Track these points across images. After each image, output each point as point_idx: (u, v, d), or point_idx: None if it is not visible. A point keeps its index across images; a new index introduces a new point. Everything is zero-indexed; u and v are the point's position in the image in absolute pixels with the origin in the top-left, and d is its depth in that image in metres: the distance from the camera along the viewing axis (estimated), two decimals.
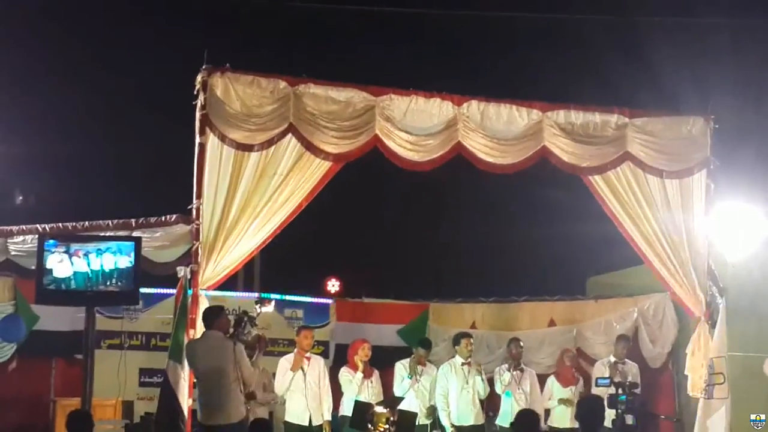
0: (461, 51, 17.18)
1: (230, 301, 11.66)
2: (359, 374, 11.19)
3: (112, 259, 9.69)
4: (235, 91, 10.16)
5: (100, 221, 10.40)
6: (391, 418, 10.18)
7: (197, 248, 9.97)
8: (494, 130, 10.89)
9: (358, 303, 14.11)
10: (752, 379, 11.41)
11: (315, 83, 10.45)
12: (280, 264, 16.05)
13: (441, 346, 13.32)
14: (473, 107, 10.85)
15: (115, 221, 10.38)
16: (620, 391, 10.63)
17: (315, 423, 10.86)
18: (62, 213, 11.29)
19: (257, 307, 10.10)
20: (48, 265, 9.61)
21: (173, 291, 10.16)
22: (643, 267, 11.76)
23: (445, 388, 11.47)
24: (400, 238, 18.64)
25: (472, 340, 11.73)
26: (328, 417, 11.02)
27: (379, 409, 10.26)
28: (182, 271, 9.90)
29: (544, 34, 15.03)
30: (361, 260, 17.98)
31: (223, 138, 10.08)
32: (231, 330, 9.56)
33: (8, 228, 10.68)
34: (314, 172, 10.47)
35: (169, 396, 9.54)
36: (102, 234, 10.17)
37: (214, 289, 10.31)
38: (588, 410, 7.50)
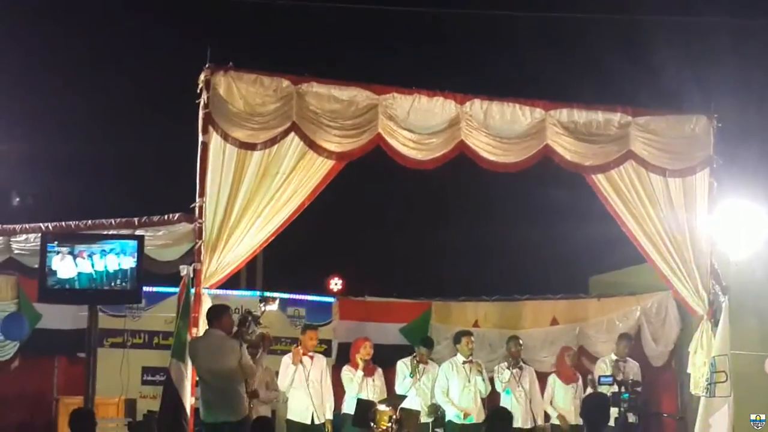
0: (464, 50, 17.17)
1: (233, 299, 11.67)
2: (359, 372, 11.21)
3: (115, 259, 9.71)
4: (238, 90, 10.16)
5: (103, 220, 10.42)
6: (394, 416, 10.21)
7: (200, 247, 9.98)
8: (497, 129, 10.88)
9: (361, 301, 14.10)
10: (755, 378, 11.42)
11: (318, 82, 10.45)
12: (282, 262, 16.04)
13: (443, 344, 13.32)
14: (476, 106, 10.85)
15: (118, 220, 10.40)
16: (623, 389, 10.64)
17: (317, 421, 10.89)
18: (65, 212, 11.30)
19: (261, 305, 10.11)
20: (52, 266, 9.62)
21: (176, 289, 10.19)
22: (646, 266, 11.76)
23: (445, 386, 11.50)
24: (402, 236, 18.62)
25: (472, 338, 11.76)
26: (330, 415, 11.05)
27: (381, 407, 10.29)
28: (185, 270, 9.92)
29: (547, 32, 15.03)
30: (364, 259, 17.98)
31: (225, 137, 10.08)
32: (235, 329, 9.58)
33: (11, 226, 10.70)
34: (317, 170, 10.47)
35: (172, 394, 9.56)
36: (105, 233, 10.18)
37: (217, 288, 10.31)
38: (593, 408, 7.49)
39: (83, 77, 16.77)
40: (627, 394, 10.61)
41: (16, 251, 10.70)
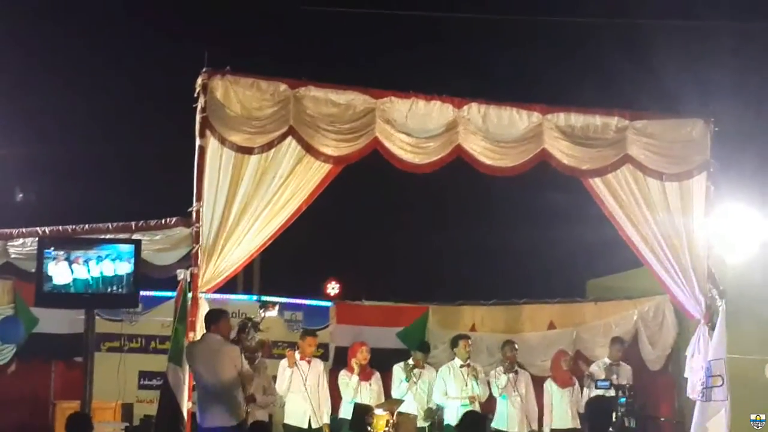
0: (461, 54, 17.19)
1: (230, 303, 11.67)
2: (355, 377, 11.21)
3: (111, 266, 9.70)
4: (236, 94, 10.15)
5: (100, 224, 10.40)
6: (391, 421, 10.20)
7: (197, 251, 9.96)
8: (494, 133, 10.87)
9: (358, 305, 14.11)
10: (752, 382, 11.41)
11: (315, 86, 10.44)
12: (279, 266, 16.05)
13: (440, 348, 13.33)
14: (473, 110, 10.84)
15: (115, 224, 10.38)
16: (620, 393, 10.64)
17: (314, 425, 10.89)
18: (62, 216, 11.29)
19: (260, 312, 10.12)
20: (48, 272, 9.61)
21: (173, 294, 10.16)
22: (643, 269, 11.75)
23: (443, 389, 11.53)
24: (399, 240, 18.64)
25: (470, 342, 11.79)
26: (327, 420, 11.05)
27: (378, 411, 10.28)
28: (182, 274, 9.90)
29: (545, 36, 15.05)
30: (361, 263, 18.00)
31: (223, 141, 10.07)
32: (235, 336, 9.60)
33: (8, 231, 10.68)
34: (314, 174, 10.45)
35: (169, 399, 9.53)
36: (102, 237, 10.16)
37: (214, 292, 10.30)
38: (596, 411, 7.49)
39: (81, 80, 16.78)
40: (624, 398, 10.61)
41: (13, 255, 10.69)
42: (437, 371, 11.77)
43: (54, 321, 11.69)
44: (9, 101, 14.71)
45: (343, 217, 17.21)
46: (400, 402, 10.81)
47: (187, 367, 9.50)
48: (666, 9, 13.46)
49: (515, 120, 10.95)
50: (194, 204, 10.03)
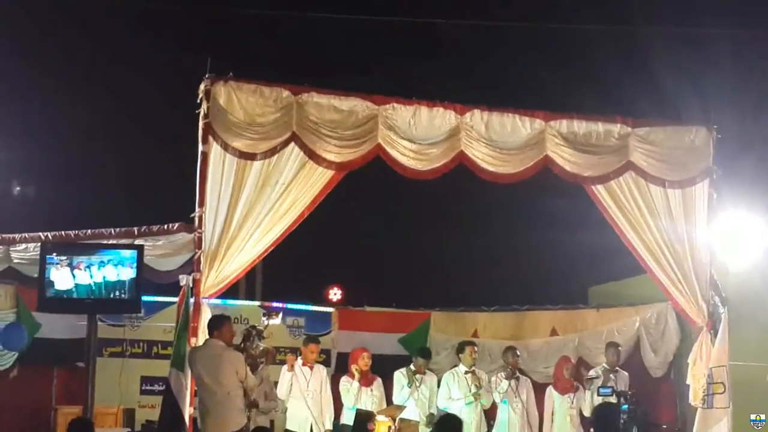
0: (464, 60, 17.20)
1: (232, 309, 11.67)
2: (355, 383, 11.21)
3: (113, 271, 9.71)
4: (238, 100, 10.15)
5: (103, 229, 10.43)
6: (393, 427, 10.20)
7: (199, 257, 9.96)
8: (497, 140, 10.87)
9: (360, 311, 14.11)
10: (754, 389, 11.40)
11: (318, 92, 10.44)
12: (282, 272, 16.04)
13: (442, 354, 13.34)
14: (476, 116, 10.84)
15: (118, 229, 10.41)
16: (622, 400, 10.63)
17: (316, 431, 10.88)
18: (65, 221, 11.30)
19: (264, 319, 10.13)
20: (50, 277, 9.63)
21: (175, 299, 10.18)
22: (645, 276, 11.74)
23: (447, 395, 11.51)
24: (401, 246, 18.64)
25: (476, 349, 11.79)
26: (329, 425, 11.05)
27: (380, 417, 10.28)
28: (184, 280, 9.90)
29: (548, 43, 15.06)
30: (363, 269, 17.98)
31: (225, 147, 10.07)
32: (240, 344, 9.61)
33: (10, 236, 10.70)
34: (317, 180, 10.46)
35: (171, 404, 9.53)
36: (104, 242, 10.18)
37: (216, 297, 10.31)
38: (604, 418, 7.47)
39: (84, 86, 16.79)
40: (626, 405, 10.59)
41: (15, 260, 10.72)
42: (439, 377, 11.77)
43: (56, 326, 11.68)
44: (12, 106, 14.74)
45: (345, 223, 17.19)
46: (401, 408, 10.81)
47: (189, 373, 9.50)
48: (668, 17, 13.47)
49: (518, 127, 10.96)
50: (197, 210, 10.03)
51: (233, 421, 9.23)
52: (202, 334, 9.70)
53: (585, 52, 14.90)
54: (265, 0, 15.09)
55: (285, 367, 11.00)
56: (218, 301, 10.56)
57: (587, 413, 11.47)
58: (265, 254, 10.48)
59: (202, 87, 10.10)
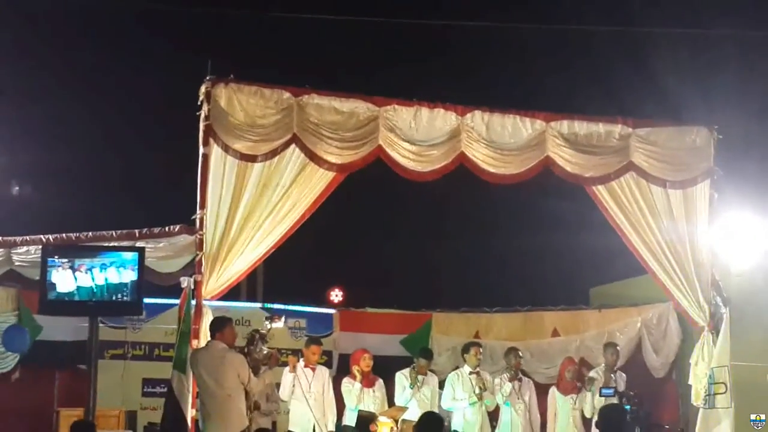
0: (465, 61, 17.19)
1: (233, 311, 11.67)
2: (357, 384, 11.20)
3: (115, 272, 9.71)
4: (239, 102, 10.16)
5: (104, 232, 10.41)
6: (395, 428, 10.20)
7: (201, 258, 9.97)
8: (498, 141, 10.86)
9: (362, 313, 14.11)
10: (756, 389, 11.39)
11: (318, 94, 10.45)
12: (283, 274, 16.04)
13: (444, 356, 13.34)
14: (477, 117, 10.84)
15: (119, 232, 10.39)
16: (624, 400, 10.62)
17: None
18: (66, 224, 11.29)
19: (267, 323, 10.13)
20: (52, 280, 9.63)
21: (177, 301, 10.19)
22: (647, 277, 11.74)
23: (451, 395, 11.50)
24: (403, 247, 18.63)
25: (481, 350, 11.76)
26: (331, 427, 11.04)
27: (382, 418, 10.28)
28: (186, 282, 9.91)
29: (548, 44, 15.05)
30: (365, 270, 17.99)
31: (226, 148, 10.08)
32: (244, 348, 9.61)
33: (12, 238, 10.69)
34: (318, 182, 10.46)
35: (173, 406, 9.54)
36: (105, 245, 10.18)
37: (218, 299, 10.31)
38: (611, 420, 7.45)
39: (85, 88, 16.79)
40: (629, 406, 10.58)
41: (17, 263, 10.70)
42: (440, 378, 11.76)
43: (58, 328, 11.69)
44: (14, 109, 14.74)
45: (346, 224, 17.21)
46: (403, 409, 10.80)
47: (191, 375, 9.50)
48: (670, 17, 13.46)
49: (518, 128, 10.95)
50: (198, 212, 10.04)
51: (234, 423, 9.24)
52: (204, 336, 9.70)
53: (586, 53, 14.90)
54: (265, 1, 15.11)
55: (287, 369, 10.99)
56: (220, 303, 10.55)
57: (588, 414, 11.46)
58: (267, 256, 10.48)
59: (202, 89, 10.10)
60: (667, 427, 12.33)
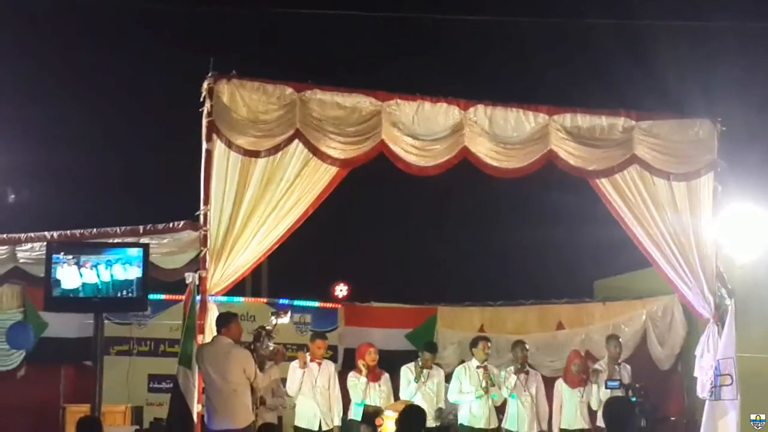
0: (467, 55, 17.19)
1: (238, 306, 11.70)
2: (363, 378, 11.22)
3: (121, 269, 9.72)
4: (242, 98, 10.15)
5: (108, 228, 10.42)
6: None
7: (205, 254, 9.97)
8: (501, 135, 10.85)
9: (366, 307, 14.15)
10: (762, 380, 11.40)
11: (321, 89, 10.43)
12: (287, 269, 16.06)
13: (449, 349, 13.35)
14: (479, 111, 10.82)
15: (123, 228, 10.40)
16: (630, 393, 10.62)
17: (325, 428, 10.92)
18: (70, 220, 11.32)
19: (273, 319, 10.14)
20: (57, 277, 9.64)
21: (181, 297, 10.19)
22: (651, 270, 11.74)
23: (458, 388, 11.48)
24: (407, 242, 18.66)
25: (489, 344, 11.73)
26: (337, 422, 11.06)
27: (388, 412, 10.30)
28: (190, 277, 9.91)
29: (551, 37, 15.05)
30: (369, 265, 18.01)
31: (229, 144, 10.07)
32: (251, 344, 9.63)
33: (17, 236, 10.71)
34: (321, 177, 10.45)
35: (179, 402, 9.55)
36: (110, 241, 10.19)
37: (223, 295, 10.32)
38: (618, 413, 7.44)
39: (88, 86, 16.82)
40: (635, 398, 10.58)
41: (21, 260, 10.71)
42: (446, 372, 11.77)
43: (63, 325, 11.73)
44: (15, 108, 14.75)
45: (350, 219, 17.23)
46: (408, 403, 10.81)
47: (196, 370, 9.52)
48: (672, 10, 13.44)
49: (521, 121, 10.94)
50: (202, 207, 10.04)
51: (240, 418, 9.25)
52: (209, 332, 9.71)
53: (588, 46, 14.90)
54: None
55: (295, 364, 10.99)
56: (224, 299, 10.56)
57: (595, 407, 11.47)
58: (271, 251, 10.48)
59: (205, 85, 10.10)
60: (673, 419, 12.36)
